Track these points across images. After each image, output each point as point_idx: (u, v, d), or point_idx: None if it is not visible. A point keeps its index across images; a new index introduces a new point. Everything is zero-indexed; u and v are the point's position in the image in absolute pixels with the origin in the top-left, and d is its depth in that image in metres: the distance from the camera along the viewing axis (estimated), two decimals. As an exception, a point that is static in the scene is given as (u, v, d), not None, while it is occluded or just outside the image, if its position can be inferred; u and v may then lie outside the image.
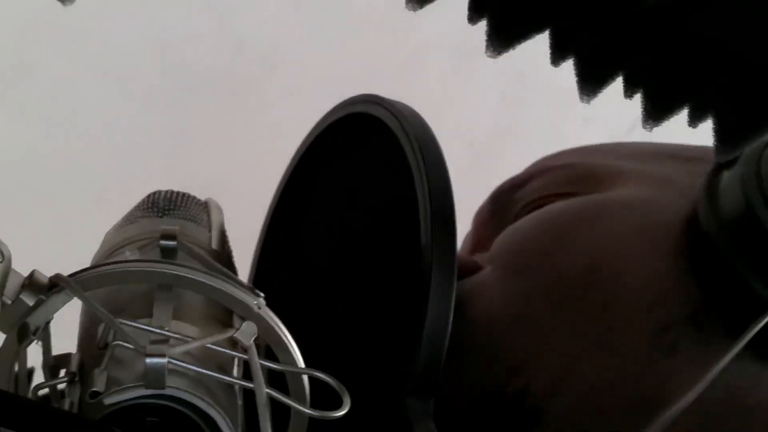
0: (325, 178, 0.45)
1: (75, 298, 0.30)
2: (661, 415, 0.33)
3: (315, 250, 0.45)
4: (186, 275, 0.30)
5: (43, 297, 0.30)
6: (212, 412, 0.29)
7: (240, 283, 0.31)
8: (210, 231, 0.37)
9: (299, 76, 1.10)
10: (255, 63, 1.10)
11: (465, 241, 0.47)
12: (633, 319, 0.37)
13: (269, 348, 0.31)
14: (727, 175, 0.36)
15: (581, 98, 0.26)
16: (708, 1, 0.24)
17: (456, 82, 1.12)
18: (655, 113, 0.26)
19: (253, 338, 0.30)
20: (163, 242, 0.33)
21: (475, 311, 0.37)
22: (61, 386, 0.30)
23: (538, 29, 0.25)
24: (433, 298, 0.34)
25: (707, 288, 0.36)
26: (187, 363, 0.29)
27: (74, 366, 0.30)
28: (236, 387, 0.30)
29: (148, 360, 0.28)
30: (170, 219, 0.36)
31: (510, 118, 1.15)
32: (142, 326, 0.30)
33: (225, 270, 0.32)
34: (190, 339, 0.30)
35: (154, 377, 0.28)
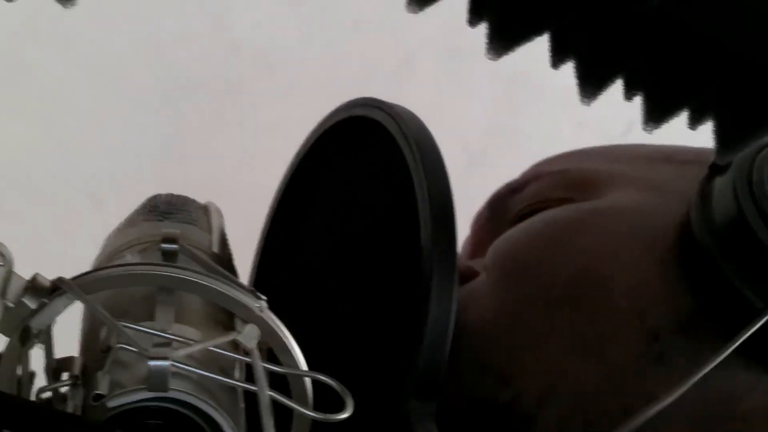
0: (325, 181, 0.45)
1: (77, 301, 0.30)
2: (635, 417, 0.33)
3: (315, 252, 0.45)
4: (188, 278, 0.30)
5: (45, 300, 0.30)
6: (215, 415, 0.29)
7: (242, 286, 0.31)
8: (210, 234, 0.37)
9: (294, 78, 1.10)
10: (250, 64, 1.10)
11: (464, 247, 0.48)
12: (622, 327, 0.37)
13: (271, 350, 0.32)
14: (719, 181, 0.36)
15: (582, 100, 0.26)
16: (708, 3, 0.24)
17: (450, 85, 1.12)
18: (655, 115, 0.26)
19: (256, 341, 0.31)
20: (164, 245, 0.33)
21: (467, 319, 0.37)
22: (63, 389, 0.30)
23: (539, 31, 0.25)
24: (435, 300, 0.34)
25: (698, 295, 0.36)
26: (189, 366, 0.29)
27: (77, 369, 0.30)
28: (239, 390, 0.30)
29: (151, 363, 0.28)
30: (171, 222, 0.36)
31: (504, 121, 1.15)
32: (145, 329, 0.30)
33: (227, 273, 0.32)
34: (192, 342, 0.30)
35: (157, 380, 0.28)
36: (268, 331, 0.31)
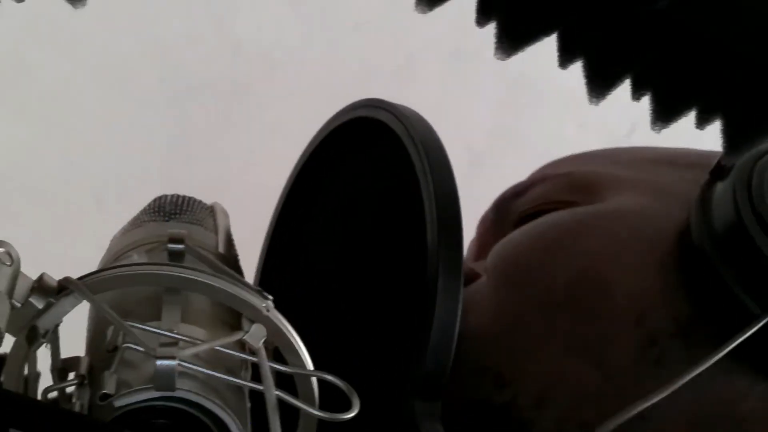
0: (330, 182, 0.45)
1: (83, 301, 0.30)
2: (616, 417, 0.33)
3: (320, 252, 0.45)
4: (195, 278, 0.30)
5: (52, 300, 0.30)
6: (222, 414, 0.29)
7: (248, 286, 0.31)
8: (216, 234, 0.37)
9: (297, 79, 1.10)
10: (253, 65, 1.10)
11: (468, 249, 0.48)
12: (620, 331, 0.37)
13: (277, 350, 0.32)
14: (719, 187, 0.36)
15: (590, 100, 0.26)
16: (717, 3, 0.24)
17: (453, 86, 1.12)
18: (663, 115, 0.26)
19: (262, 341, 0.31)
20: (170, 245, 0.33)
21: (467, 321, 0.37)
22: (69, 389, 0.30)
23: (548, 31, 0.25)
24: (440, 301, 0.34)
25: (697, 300, 0.36)
26: (196, 365, 0.29)
27: (83, 369, 0.30)
28: (245, 389, 0.30)
29: (158, 362, 0.28)
30: (177, 223, 0.36)
31: (507, 122, 1.15)
32: (152, 329, 0.30)
33: (233, 273, 0.32)
34: (199, 342, 0.30)
35: (164, 379, 0.28)
36: (274, 331, 0.31)
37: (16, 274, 0.30)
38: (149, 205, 0.38)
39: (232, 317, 0.32)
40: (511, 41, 0.26)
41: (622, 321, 0.37)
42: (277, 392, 0.29)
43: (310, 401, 0.31)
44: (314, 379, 0.31)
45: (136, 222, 0.37)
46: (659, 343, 0.36)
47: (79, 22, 1.00)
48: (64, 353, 0.31)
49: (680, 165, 0.42)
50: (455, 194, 0.36)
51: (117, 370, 0.29)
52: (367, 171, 0.43)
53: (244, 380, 0.30)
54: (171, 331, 0.30)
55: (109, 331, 0.31)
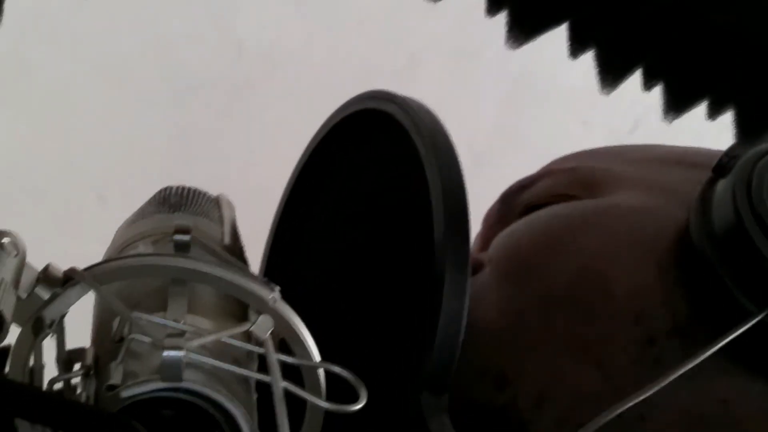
0: (336, 174, 0.45)
1: (89, 292, 0.30)
2: (603, 414, 0.33)
3: (324, 248, 0.45)
4: (202, 269, 0.30)
5: (58, 291, 0.30)
6: (229, 406, 0.29)
7: (255, 277, 0.31)
8: (222, 226, 0.37)
9: (299, 77, 1.10)
10: (255, 64, 1.10)
11: (474, 242, 0.47)
12: (619, 331, 0.37)
13: (283, 341, 0.31)
14: (720, 186, 0.36)
15: (602, 90, 0.26)
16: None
17: (456, 84, 1.12)
18: (674, 105, 0.26)
19: (269, 332, 0.30)
20: (176, 237, 0.33)
21: (470, 317, 0.37)
22: (74, 380, 0.30)
23: (559, 20, 0.25)
24: (448, 294, 0.34)
25: (695, 300, 0.36)
26: (203, 356, 0.29)
27: (89, 360, 0.30)
28: (251, 380, 0.30)
29: (165, 353, 0.28)
30: (182, 214, 0.36)
31: (510, 120, 1.15)
32: (158, 320, 0.29)
33: (240, 264, 0.32)
34: (206, 333, 0.30)
35: (171, 370, 0.28)
36: (281, 322, 0.31)
37: (22, 265, 0.30)
38: (154, 196, 0.37)
39: (239, 308, 0.32)
40: (522, 31, 0.25)
41: (621, 319, 0.37)
42: (283, 383, 0.29)
43: (317, 393, 0.31)
44: (321, 371, 0.31)
45: (141, 214, 0.37)
46: (657, 342, 0.36)
47: (81, 21, 1.00)
48: (69, 344, 0.31)
49: (687, 164, 0.42)
50: (462, 187, 0.36)
51: (123, 361, 0.29)
52: (374, 163, 0.43)
53: (251, 371, 0.30)
54: (178, 322, 0.30)
55: (115, 322, 0.31)
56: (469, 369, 0.37)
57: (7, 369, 0.29)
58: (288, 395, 0.29)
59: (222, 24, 1.09)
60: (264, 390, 0.30)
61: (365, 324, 0.40)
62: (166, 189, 0.38)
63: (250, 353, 0.31)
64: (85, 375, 0.30)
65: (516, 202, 0.46)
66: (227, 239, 0.36)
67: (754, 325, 0.34)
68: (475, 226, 0.48)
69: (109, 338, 0.31)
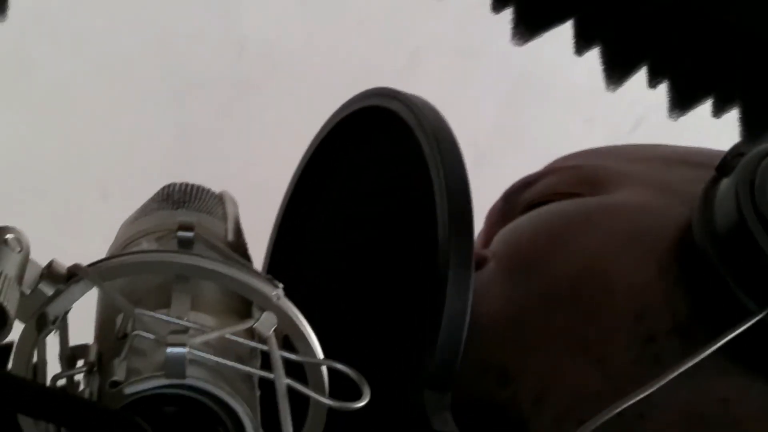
0: (339, 172, 0.45)
1: (92, 288, 0.30)
2: (603, 412, 0.33)
3: (328, 243, 0.45)
4: (206, 266, 0.30)
5: (61, 287, 0.30)
6: (232, 402, 0.29)
7: (258, 274, 0.31)
8: (225, 223, 0.37)
9: (300, 76, 1.10)
10: (256, 62, 1.10)
11: (477, 238, 0.47)
12: (619, 328, 0.37)
13: (287, 338, 0.31)
14: (723, 186, 0.36)
15: (607, 87, 0.26)
16: (736, -10, 0.24)
17: (458, 82, 1.12)
18: (680, 102, 0.26)
19: (273, 329, 0.30)
20: (180, 233, 0.33)
21: (473, 312, 0.37)
22: (77, 377, 0.30)
23: (565, 17, 0.25)
24: (451, 292, 0.34)
25: (696, 299, 0.36)
26: (206, 353, 0.29)
27: (92, 356, 0.30)
28: (254, 377, 0.30)
29: (169, 350, 0.28)
30: (185, 211, 0.36)
31: (512, 119, 1.15)
32: (162, 317, 0.29)
33: (243, 261, 0.32)
34: (209, 329, 0.30)
35: (175, 367, 0.28)
36: (284, 319, 0.31)
37: (26, 261, 0.30)
38: (158, 193, 0.37)
39: (242, 305, 0.32)
40: (528, 27, 0.25)
41: (621, 317, 0.37)
42: (287, 380, 0.29)
43: (320, 390, 0.31)
44: (324, 368, 0.31)
45: (145, 210, 0.37)
46: (658, 340, 0.36)
47: (83, 19, 1.00)
48: (72, 341, 0.31)
49: (691, 164, 0.42)
50: (467, 187, 0.36)
51: (127, 358, 0.29)
52: (377, 160, 0.43)
53: (254, 368, 0.30)
54: (181, 319, 0.30)
55: (119, 319, 0.31)
56: (471, 364, 0.37)
57: (10, 365, 0.29)
58: (291, 392, 0.29)
59: (224, 23, 1.09)
60: (267, 387, 0.30)
61: (368, 322, 0.40)
62: (169, 186, 0.38)
63: (253, 350, 0.31)
64: (89, 371, 0.30)
65: (519, 199, 0.46)
66: (231, 236, 0.36)
67: (754, 324, 0.34)
68: (477, 225, 0.48)
69: (112, 335, 0.31)
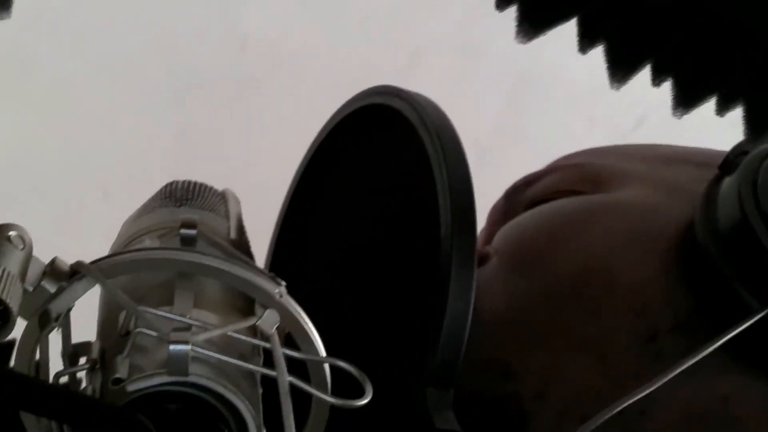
0: (341, 170, 0.45)
1: (95, 286, 0.30)
2: (605, 410, 0.33)
3: (331, 241, 0.45)
4: (208, 263, 0.30)
5: (64, 284, 0.30)
6: (235, 400, 0.29)
7: (261, 271, 0.31)
8: (228, 220, 0.37)
9: (302, 74, 1.10)
10: (259, 61, 1.10)
11: (479, 237, 0.47)
12: (621, 325, 0.37)
13: (289, 336, 0.31)
14: (725, 184, 0.36)
15: (611, 85, 0.26)
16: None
17: (460, 81, 1.12)
18: (684, 100, 0.26)
19: (275, 326, 0.30)
20: (183, 231, 0.33)
21: (476, 309, 0.37)
22: (80, 374, 0.30)
23: (569, 15, 0.25)
24: (453, 290, 0.34)
25: (697, 296, 0.36)
26: (209, 350, 0.29)
27: (95, 353, 0.30)
28: (257, 375, 0.30)
29: (172, 347, 0.28)
30: (188, 208, 0.36)
31: (514, 118, 1.15)
32: (164, 314, 0.29)
33: (246, 258, 0.32)
34: (212, 327, 0.29)
35: (178, 364, 0.28)
36: (287, 317, 0.31)
37: (29, 258, 0.30)
38: (160, 191, 0.37)
39: (245, 303, 0.32)
40: (531, 25, 0.25)
41: (623, 314, 0.37)
42: (289, 378, 0.29)
43: (322, 388, 0.31)
44: (327, 366, 0.31)
45: (147, 208, 0.37)
46: (659, 337, 0.36)
47: (84, 17, 1.00)
48: (75, 338, 0.31)
49: (694, 164, 0.42)
50: (470, 185, 0.36)
51: (129, 355, 0.29)
52: (380, 158, 0.43)
53: (257, 366, 0.30)
54: (184, 317, 0.30)
55: (122, 316, 0.31)
56: (473, 360, 0.37)
57: (12, 362, 0.29)
58: (293, 390, 0.29)
59: (226, 21, 1.09)
60: (270, 384, 0.30)
61: (370, 320, 0.40)
62: (172, 183, 0.38)
63: (255, 348, 0.31)
64: (91, 369, 0.30)
65: (521, 198, 0.46)
66: (233, 234, 0.36)
67: (756, 322, 0.34)
68: (479, 223, 0.48)
69: (115, 332, 0.31)
